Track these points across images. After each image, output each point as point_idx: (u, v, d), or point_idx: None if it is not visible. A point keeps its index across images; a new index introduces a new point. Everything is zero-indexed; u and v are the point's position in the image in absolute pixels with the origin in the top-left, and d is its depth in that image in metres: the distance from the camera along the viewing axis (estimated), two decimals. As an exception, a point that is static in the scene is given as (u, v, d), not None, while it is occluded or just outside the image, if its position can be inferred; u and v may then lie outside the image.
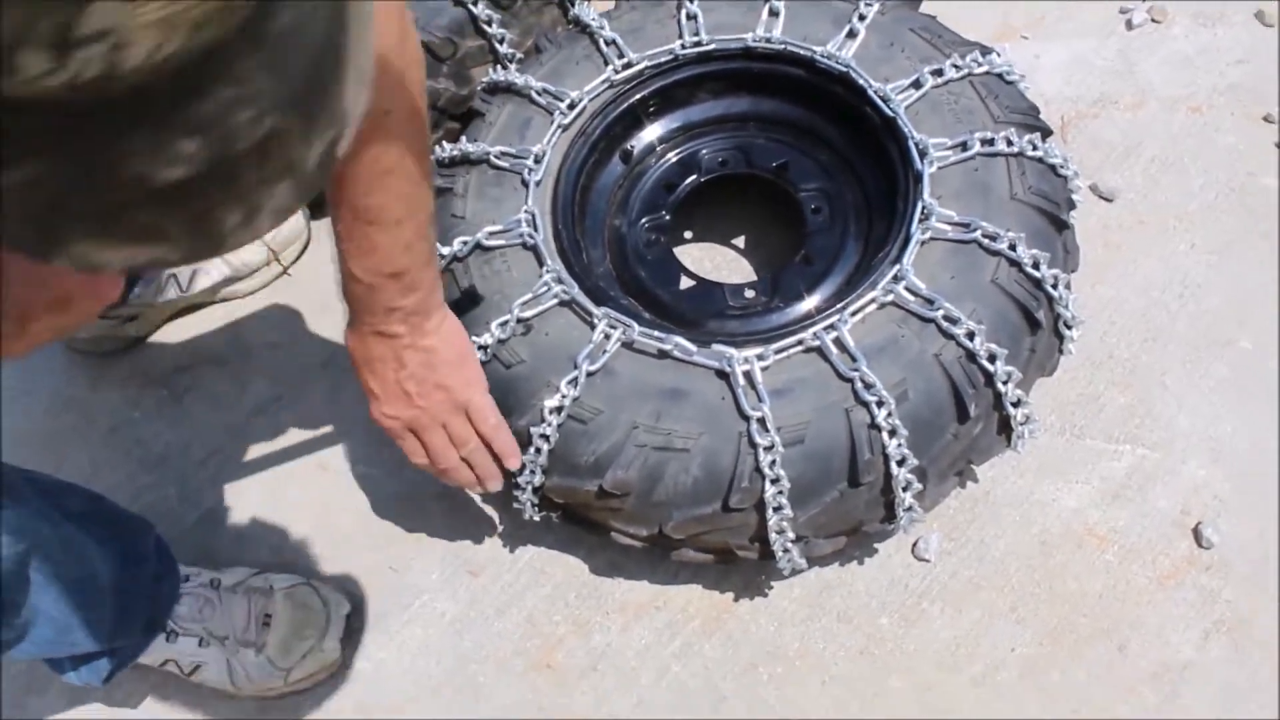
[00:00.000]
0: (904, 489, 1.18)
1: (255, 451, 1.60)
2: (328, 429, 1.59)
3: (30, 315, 0.64)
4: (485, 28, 1.56)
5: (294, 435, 1.61)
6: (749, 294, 1.40)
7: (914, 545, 1.40)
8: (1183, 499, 1.40)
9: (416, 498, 1.52)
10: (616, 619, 1.41)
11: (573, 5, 1.61)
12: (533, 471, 1.25)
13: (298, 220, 1.75)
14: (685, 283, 1.44)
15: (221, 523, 1.55)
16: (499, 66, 1.55)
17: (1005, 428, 1.25)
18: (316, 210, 1.78)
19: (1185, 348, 1.50)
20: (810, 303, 1.35)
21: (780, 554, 1.22)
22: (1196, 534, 1.37)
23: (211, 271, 1.69)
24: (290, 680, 1.38)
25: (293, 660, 1.38)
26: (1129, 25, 1.81)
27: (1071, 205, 1.31)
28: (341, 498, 1.54)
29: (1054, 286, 1.22)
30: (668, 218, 1.48)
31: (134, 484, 1.60)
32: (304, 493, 1.56)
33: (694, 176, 1.50)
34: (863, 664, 1.34)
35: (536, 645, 1.40)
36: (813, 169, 1.47)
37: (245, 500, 1.56)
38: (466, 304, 1.30)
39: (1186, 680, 1.30)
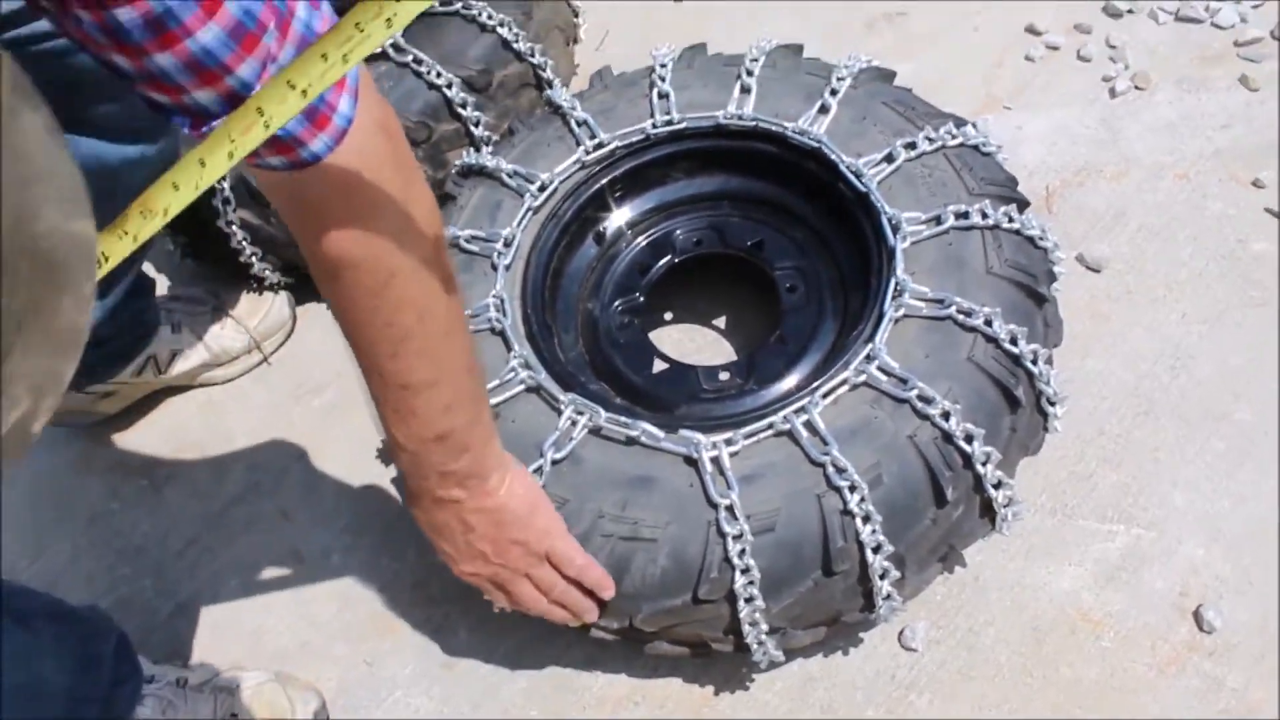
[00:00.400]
0: (881, 577, 1.14)
1: (232, 541, 1.57)
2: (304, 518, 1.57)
3: None
4: (460, 111, 1.56)
5: (270, 525, 1.58)
6: (723, 376, 1.37)
7: (900, 634, 1.34)
8: (1181, 580, 1.34)
9: (393, 588, 1.49)
10: (594, 714, 1.35)
11: (549, 87, 1.61)
12: (502, 564, 1.22)
13: (282, 309, 1.74)
14: (659, 366, 1.41)
15: (196, 615, 1.52)
16: (473, 149, 1.54)
17: (988, 510, 1.20)
18: (301, 295, 1.78)
19: (1179, 422, 1.45)
20: (787, 384, 1.32)
21: (755, 646, 1.18)
22: (1197, 617, 1.31)
23: (190, 356, 1.68)
24: (257, 782, 1.34)
25: None
26: (1112, 93, 1.79)
27: (1052, 278, 1.28)
28: (317, 588, 1.51)
29: (1034, 362, 1.18)
30: (641, 299, 1.46)
31: (112, 575, 1.58)
32: (279, 584, 1.52)
33: (668, 257, 1.48)
34: (849, 760, 1.28)
35: (512, 743, 1.35)
36: (788, 247, 1.44)
37: (221, 592, 1.53)
38: None
39: (1191, 776, 1.23)
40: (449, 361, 1.01)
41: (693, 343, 1.62)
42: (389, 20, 0.71)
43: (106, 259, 0.86)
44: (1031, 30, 1.90)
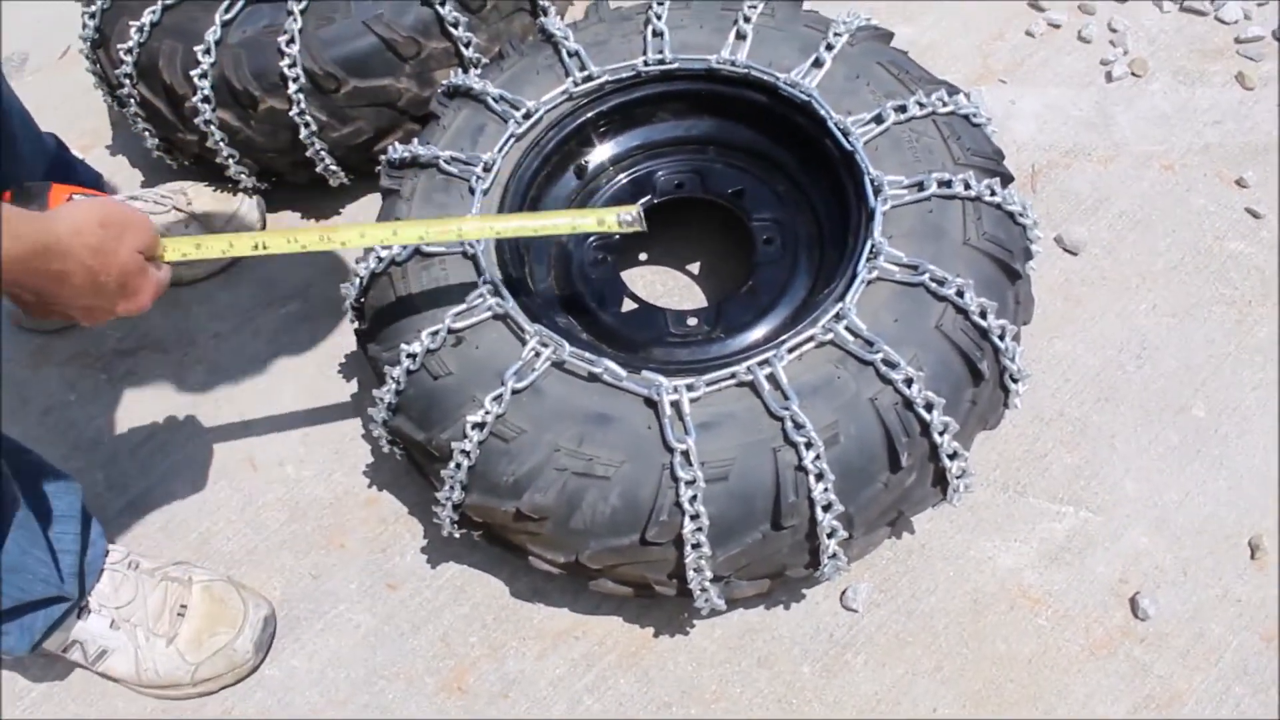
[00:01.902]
0: (829, 535, 1.14)
1: (187, 442, 1.56)
2: (261, 426, 1.56)
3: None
4: (451, 30, 1.53)
5: (227, 429, 1.57)
6: (691, 322, 1.37)
7: (843, 594, 1.35)
8: (1122, 566, 1.36)
9: (344, 503, 1.49)
10: (533, 645, 1.36)
11: (544, 14, 1.59)
12: (452, 488, 1.21)
13: (250, 212, 1.72)
14: (629, 305, 1.40)
15: (145, 512, 1.51)
16: (461, 70, 1.52)
17: (940, 480, 1.21)
18: (274, 202, 1.76)
19: (1138, 411, 1.46)
20: (754, 335, 1.32)
21: (698, 592, 1.18)
22: (1133, 604, 1.33)
23: (157, 256, 1.66)
24: (197, 677, 1.34)
25: (203, 655, 1.34)
26: (1109, 77, 1.78)
27: (1028, 255, 1.28)
28: (268, 497, 1.51)
29: (1001, 337, 1.18)
30: (617, 237, 1.44)
31: (65, 466, 1.54)
32: (231, 489, 1.52)
33: (648, 197, 1.46)
34: (779, 712, 1.30)
35: (449, 666, 1.36)
36: (768, 198, 1.43)
37: (172, 491, 1.53)
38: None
39: (1110, 755, 1.25)
40: None
41: (665, 285, 1.61)
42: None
43: (267, 247, 1.12)
44: (1035, 6, 1.89)
